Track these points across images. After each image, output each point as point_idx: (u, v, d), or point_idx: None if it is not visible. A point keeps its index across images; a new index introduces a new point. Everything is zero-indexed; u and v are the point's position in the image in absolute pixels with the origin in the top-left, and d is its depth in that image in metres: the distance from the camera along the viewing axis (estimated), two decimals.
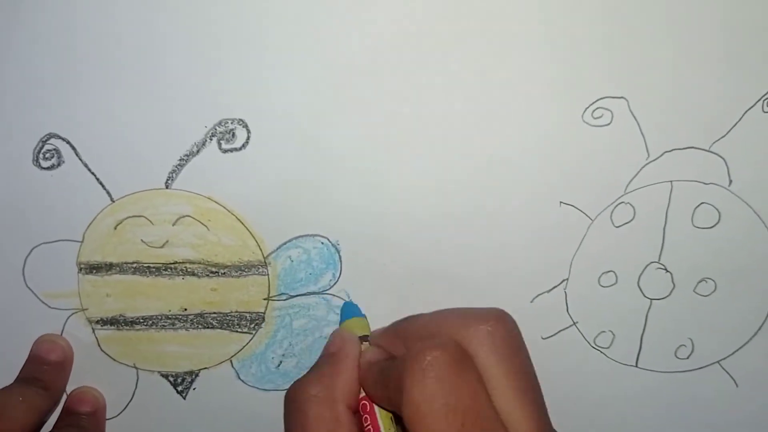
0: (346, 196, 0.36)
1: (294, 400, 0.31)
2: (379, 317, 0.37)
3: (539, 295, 0.37)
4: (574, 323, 0.37)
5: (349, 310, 0.37)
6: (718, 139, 0.36)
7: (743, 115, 0.35)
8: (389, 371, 0.29)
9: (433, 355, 0.26)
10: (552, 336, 0.38)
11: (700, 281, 0.37)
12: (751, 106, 0.35)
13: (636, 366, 0.38)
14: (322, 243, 0.37)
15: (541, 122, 0.35)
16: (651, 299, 0.37)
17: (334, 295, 0.37)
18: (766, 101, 0.35)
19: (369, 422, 0.31)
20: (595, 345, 0.38)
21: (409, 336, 0.31)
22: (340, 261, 0.37)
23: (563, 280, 0.37)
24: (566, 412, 0.38)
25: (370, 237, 0.37)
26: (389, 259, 0.37)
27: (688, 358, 0.38)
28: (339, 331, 0.35)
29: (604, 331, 0.38)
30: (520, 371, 0.27)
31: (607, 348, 0.38)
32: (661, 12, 0.34)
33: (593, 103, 0.35)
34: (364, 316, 0.36)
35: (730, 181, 0.36)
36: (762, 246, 0.37)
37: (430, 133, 0.35)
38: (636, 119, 0.35)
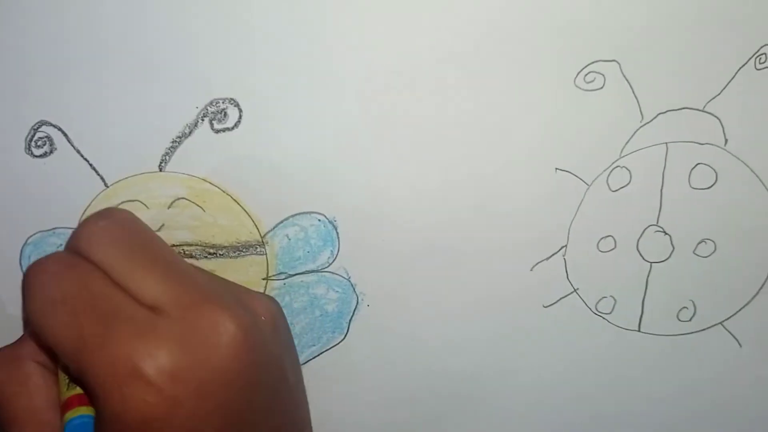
0: (341, 171, 0.36)
1: None
2: (378, 292, 0.38)
3: (538, 263, 0.37)
4: (575, 290, 0.38)
5: None
6: (712, 99, 0.36)
7: (736, 73, 0.36)
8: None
9: (38, 265, 0.27)
10: (553, 304, 0.38)
11: (699, 242, 0.37)
12: (744, 64, 0.36)
13: (639, 331, 0.38)
14: (319, 220, 0.37)
15: (532, 88, 0.35)
16: (651, 263, 0.38)
17: (333, 273, 0.38)
18: (758, 58, 0.36)
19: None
20: (597, 311, 0.38)
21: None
22: (338, 238, 0.37)
23: (562, 247, 0.37)
24: (570, 380, 0.39)
25: (367, 212, 0.37)
26: (387, 234, 0.37)
27: (690, 320, 0.38)
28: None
29: (605, 297, 0.38)
30: (137, 251, 0.28)
31: (609, 314, 0.38)
32: None
33: (585, 67, 0.35)
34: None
35: (726, 141, 0.36)
36: (760, 204, 0.37)
37: (423, 104, 0.36)
38: (629, 82, 0.36)
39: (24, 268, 0.37)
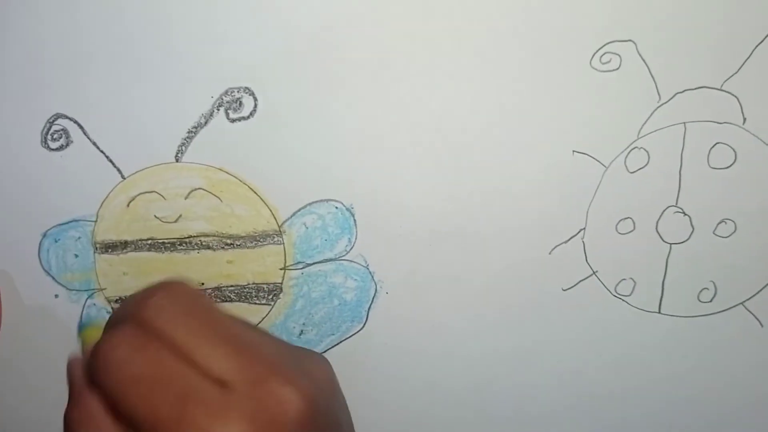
0: (357, 159, 0.36)
1: None
2: (396, 279, 0.38)
3: (557, 246, 0.37)
4: (594, 272, 0.38)
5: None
6: (730, 77, 0.36)
7: (753, 51, 0.36)
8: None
9: (111, 340, 0.27)
10: (572, 287, 0.38)
11: (719, 223, 0.37)
12: (761, 41, 0.36)
13: (659, 312, 0.38)
14: (336, 208, 0.37)
15: (548, 70, 0.35)
16: (670, 244, 0.38)
17: (351, 261, 0.38)
18: None
19: None
20: (617, 293, 0.38)
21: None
22: (356, 225, 0.37)
23: (581, 230, 0.37)
24: (590, 362, 0.39)
25: (384, 199, 0.37)
26: (404, 220, 0.37)
27: (711, 301, 0.38)
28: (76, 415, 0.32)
29: (624, 279, 0.38)
30: (201, 324, 0.28)
31: (629, 296, 0.38)
32: None
33: (600, 48, 0.35)
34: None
35: (744, 119, 0.36)
36: None
37: (439, 89, 0.36)
38: (645, 62, 0.35)
39: (42, 261, 0.38)
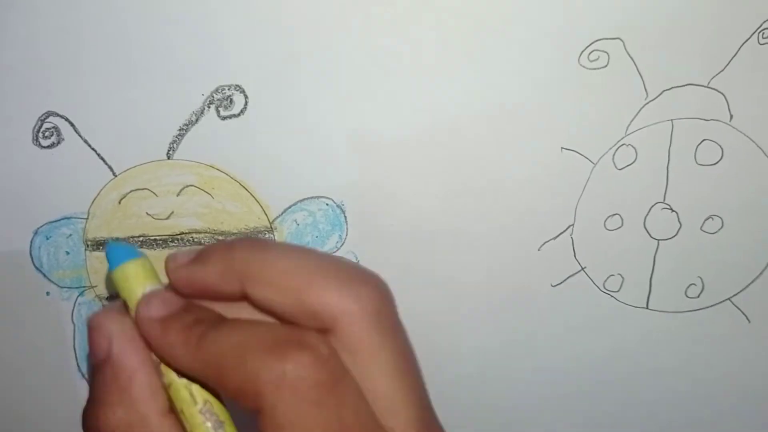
0: (348, 156, 0.37)
1: None
2: (387, 276, 0.38)
3: (546, 242, 0.38)
4: (583, 269, 0.38)
5: (116, 257, 0.26)
6: (717, 74, 0.36)
7: (740, 49, 0.36)
8: (229, 347, 0.23)
9: (306, 371, 0.22)
10: (561, 283, 0.38)
11: (706, 219, 0.38)
12: (747, 39, 0.36)
13: (647, 308, 0.39)
14: (327, 204, 0.38)
15: (536, 68, 0.36)
16: (658, 240, 0.38)
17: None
18: (761, 33, 0.36)
19: (184, 415, 0.25)
20: (605, 289, 0.39)
21: (255, 280, 0.24)
22: (346, 222, 0.38)
23: (569, 226, 0.38)
24: (580, 357, 0.39)
25: (375, 196, 0.37)
26: (395, 217, 0.38)
27: (698, 296, 0.39)
28: (98, 320, 0.25)
29: (612, 275, 0.38)
30: (402, 351, 0.24)
31: (617, 291, 0.39)
32: None
33: (588, 45, 0.36)
34: (141, 256, 0.26)
35: (731, 116, 0.37)
36: (767, 180, 0.37)
37: (427, 86, 0.36)
38: (633, 59, 0.36)
39: (34, 258, 0.38)
